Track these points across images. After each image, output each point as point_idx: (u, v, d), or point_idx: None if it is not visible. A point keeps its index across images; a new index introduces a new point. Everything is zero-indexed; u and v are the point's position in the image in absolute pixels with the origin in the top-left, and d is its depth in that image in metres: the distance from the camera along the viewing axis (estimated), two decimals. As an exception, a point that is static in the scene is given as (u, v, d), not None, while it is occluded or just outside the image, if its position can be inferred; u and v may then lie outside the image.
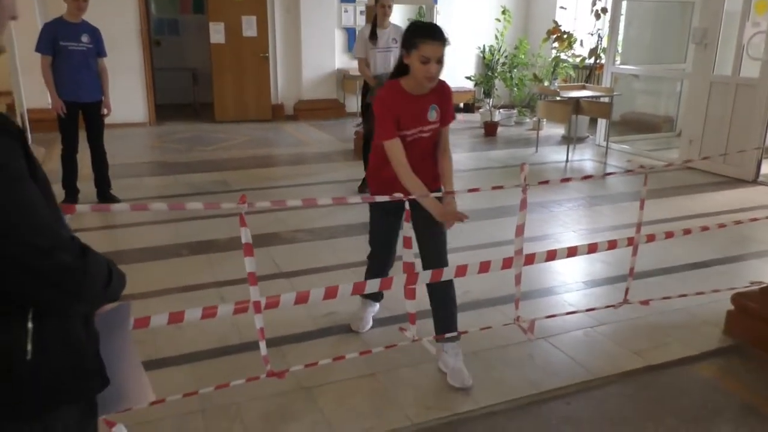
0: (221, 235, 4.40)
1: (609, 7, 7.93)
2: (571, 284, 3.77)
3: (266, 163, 7.11)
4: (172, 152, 7.50)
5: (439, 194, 2.52)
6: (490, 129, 8.72)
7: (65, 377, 1.12)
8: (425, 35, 2.37)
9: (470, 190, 2.62)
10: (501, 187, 2.37)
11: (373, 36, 5.38)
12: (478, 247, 4.15)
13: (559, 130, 8.84)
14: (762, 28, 5.96)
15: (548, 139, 8.41)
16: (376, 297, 3.17)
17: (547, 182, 2.43)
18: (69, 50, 4.91)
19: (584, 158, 7.46)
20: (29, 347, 1.05)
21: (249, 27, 9.30)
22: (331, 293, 2.14)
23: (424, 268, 2.58)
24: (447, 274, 2.35)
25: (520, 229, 2.37)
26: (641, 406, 2.57)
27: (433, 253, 2.65)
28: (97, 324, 1.21)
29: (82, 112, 5.14)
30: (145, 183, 6.11)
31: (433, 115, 2.57)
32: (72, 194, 5.19)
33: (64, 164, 5.18)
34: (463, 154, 7.49)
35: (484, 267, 2.34)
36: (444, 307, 2.69)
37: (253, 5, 9.22)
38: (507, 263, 2.37)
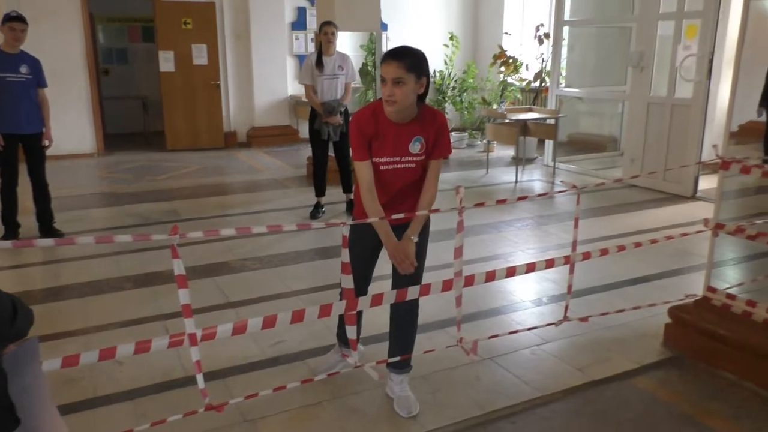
0: (166, 267, 4.32)
1: (551, 33, 8.21)
2: (518, 303, 3.83)
3: (218, 191, 7.03)
4: (121, 182, 7.35)
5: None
6: (442, 152, 8.83)
7: None
8: (384, 56, 2.30)
9: (407, 216, 2.62)
10: (437, 210, 2.40)
11: (319, 63, 5.44)
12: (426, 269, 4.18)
13: (509, 152, 9.04)
14: (693, 51, 6.28)
15: (499, 161, 8.59)
16: (346, 340, 2.75)
17: (482, 204, 2.47)
18: (7, 81, 4.79)
19: (533, 178, 7.64)
20: None
21: (199, 55, 9.26)
22: (269, 322, 2.12)
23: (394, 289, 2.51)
24: (388, 297, 2.35)
25: (458, 251, 2.40)
26: (584, 422, 2.61)
27: (399, 285, 2.55)
28: (5, 363, 1.17)
29: (22, 144, 5.00)
30: (91, 215, 5.96)
31: (416, 147, 2.42)
32: (12, 229, 5.02)
33: (3, 198, 5.01)
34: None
35: (425, 290, 2.35)
36: (402, 328, 2.66)
37: (204, 33, 9.21)
38: (447, 285, 2.40)
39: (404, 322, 2.67)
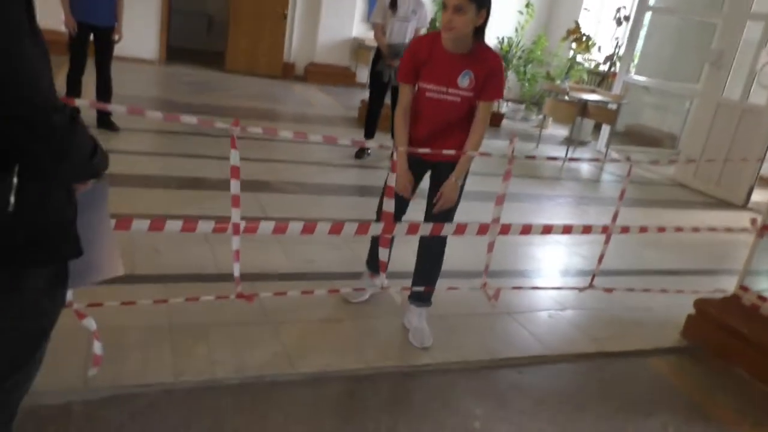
0: (211, 174, 4.46)
1: (632, 16, 7.95)
2: (545, 270, 3.86)
3: (269, 116, 7.14)
4: (179, 93, 7.51)
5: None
6: (494, 119, 8.74)
7: (42, 236, 1.16)
8: None
9: (456, 153, 2.65)
10: (488, 155, 2.44)
11: (393, 4, 5.40)
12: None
13: (563, 131, 8.88)
14: (776, 57, 6.02)
15: (551, 138, 8.46)
16: (374, 267, 2.83)
17: (533, 158, 2.49)
18: None
19: (583, 160, 7.52)
20: (12, 199, 1.09)
21: (273, -19, 9.25)
22: (308, 229, 2.21)
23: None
24: (423, 229, 2.41)
25: (500, 199, 2.44)
26: (590, 386, 2.67)
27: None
28: (77, 199, 1.27)
29: (93, 35, 5.14)
30: (148, 117, 6.12)
31: (465, 81, 2.41)
32: None
33: (69, 85, 5.19)
34: (464, 139, 7.54)
35: (460, 229, 2.41)
36: (428, 260, 2.75)
37: (280, -40, 9.18)
38: (483, 229, 2.45)
39: (431, 256, 2.74)
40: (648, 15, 7.93)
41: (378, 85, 5.65)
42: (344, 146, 6.14)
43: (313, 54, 9.81)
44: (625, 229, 2.76)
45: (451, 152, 2.44)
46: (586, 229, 2.67)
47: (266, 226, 2.17)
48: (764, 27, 6.17)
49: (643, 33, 8.11)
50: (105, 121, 5.36)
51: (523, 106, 9.70)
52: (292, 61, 9.85)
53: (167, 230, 2.05)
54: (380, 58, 5.56)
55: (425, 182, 2.70)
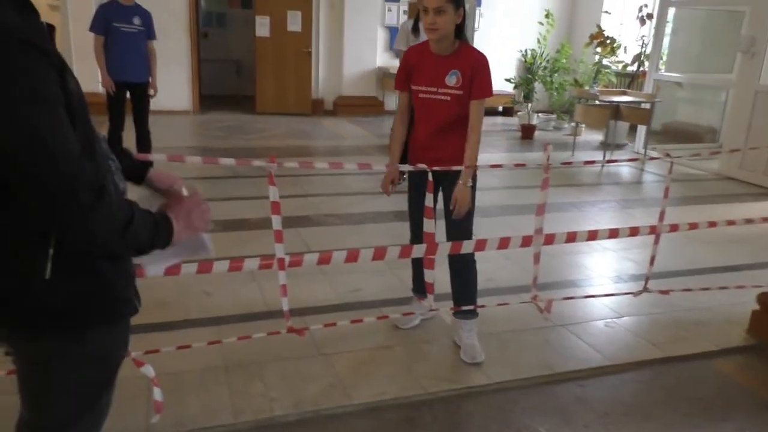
0: (253, 214, 4.54)
1: (655, 14, 7.84)
2: (595, 278, 3.77)
3: (302, 152, 7.26)
4: (213, 139, 7.73)
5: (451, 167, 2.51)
6: (527, 132, 8.70)
7: (88, 301, 1.18)
8: None
9: (492, 166, 2.65)
10: (523, 165, 2.42)
11: (416, 29, 5.46)
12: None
13: (598, 136, 8.75)
14: (812, 37, 5.83)
15: (585, 145, 8.34)
16: (420, 289, 2.86)
17: (570, 164, 2.46)
18: (121, 31, 5.14)
19: (621, 163, 7.37)
20: (48, 267, 1.10)
21: (294, 22, 9.50)
22: (352, 256, 2.22)
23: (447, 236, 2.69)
24: (466, 246, 2.40)
25: (540, 209, 2.41)
26: (655, 393, 2.57)
27: (452, 233, 2.70)
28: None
29: (129, 92, 5.36)
30: (186, 165, 6.30)
31: (452, 80, 2.53)
32: None
33: (109, 143, 5.38)
34: (498, 154, 7.50)
35: (504, 243, 2.38)
36: (461, 280, 2.75)
37: (299, 0, 9.43)
38: (527, 241, 2.41)
39: (460, 268, 2.73)
40: (671, 11, 7.80)
41: None
42: (379, 173, 6.19)
43: (340, 88, 9.98)
44: (674, 227, 2.68)
45: (450, 167, 2.45)
46: (633, 231, 2.61)
47: (311, 258, 2.20)
48: (796, 8, 6.00)
49: (668, 29, 7.97)
50: None
51: (554, 116, 9.61)
52: (321, 97, 10.03)
53: (215, 271, 2.09)
54: None
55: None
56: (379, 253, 2.27)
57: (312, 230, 4.41)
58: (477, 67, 2.53)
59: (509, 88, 9.76)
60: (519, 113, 9.45)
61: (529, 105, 9.34)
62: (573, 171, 6.79)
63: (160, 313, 3.00)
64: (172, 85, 9.08)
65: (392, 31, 9.96)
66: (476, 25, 10.32)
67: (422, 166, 2.38)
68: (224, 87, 11.17)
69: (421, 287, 2.74)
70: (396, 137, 2.79)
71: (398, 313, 2.97)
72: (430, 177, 2.34)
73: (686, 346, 2.93)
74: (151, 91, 5.45)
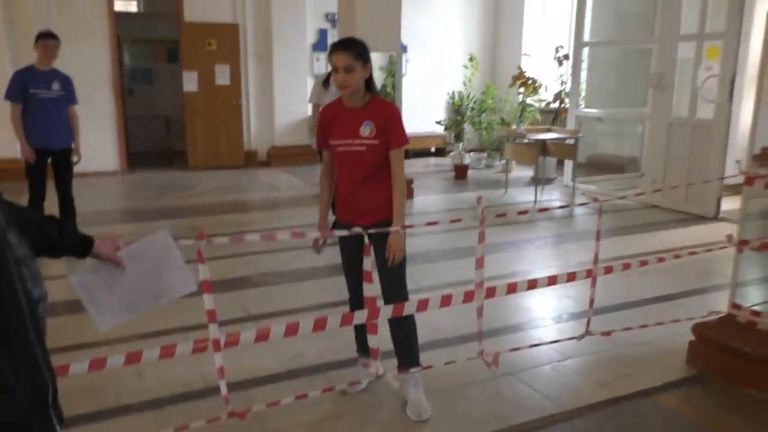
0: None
1: (570, 54, 8.25)
2: (538, 320, 3.81)
3: (237, 208, 7.11)
4: (142, 199, 7.47)
5: (387, 228, 2.52)
6: (460, 172, 8.87)
7: None
8: (332, 47, 2.61)
9: (428, 224, 2.65)
10: (459, 220, 2.42)
11: (326, 82, 5.60)
12: (444, 286, 4.17)
13: (528, 172, 9.02)
14: (714, 71, 6.26)
15: (517, 181, 8.58)
16: (364, 349, 2.83)
17: (503, 215, 2.49)
18: (39, 98, 4.93)
19: (552, 198, 7.61)
20: None
21: (222, 76, 9.45)
22: (291, 330, 2.14)
23: (384, 301, 2.65)
24: (408, 309, 2.36)
25: (479, 262, 2.41)
26: (606, 438, 2.58)
27: (387, 289, 2.70)
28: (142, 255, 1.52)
29: (51, 159, 5.12)
30: (114, 231, 6.05)
31: (366, 130, 2.62)
32: None
33: (35, 218, 5.08)
34: (433, 197, 7.60)
35: (446, 301, 2.36)
36: (403, 335, 2.73)
37: (227, 54, 9.40)
38: (468, 296, 2.40)
39: (400, 322, 2.67)
40: (585, 50, 8.24)
41: None
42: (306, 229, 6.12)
43: (272, 138, 9.93)
44: (608, 269, 2.74)
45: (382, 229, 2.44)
46: (570, 277, 2.65)
47: (248, 336, 2.09)
48: (696, 46, 6.46)
49: (585, 67, 8.41)
50: None
51: (485, 154, 9.88)
52: (254, 149, 9.94)
53: (145, 360, 1.96)
54: None
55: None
56: (320, 324, 2.20)
57: (251, 292, 4.26)
58: (388, 119, 2.64)
59: (440, 129, 10.00)
60: (451, 153, 9.66)
61: (461, 145, 9.57)
62: (510, 209, 6.94)
63: (88, 402, 2.80)
64: (98, 145, 8.76)
65: (322, 80, 10.06)
66: (404, 71, 10.58)
67: (357, 230, 2.34)
68: (154, 143, 10.90)
69: (364, 347, 2.70)
70: (322, 195, 2.84)
71: (344, 380, 2.87)
72: (366, 240, 2.30)
73: (630, 384, 2.97)
74: (75, 158, 5.22)
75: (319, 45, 9.98)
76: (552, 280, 2.61)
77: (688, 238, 5.65)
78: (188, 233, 6.02)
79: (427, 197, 7.52)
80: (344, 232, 2.47)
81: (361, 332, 2.79)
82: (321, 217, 2.83)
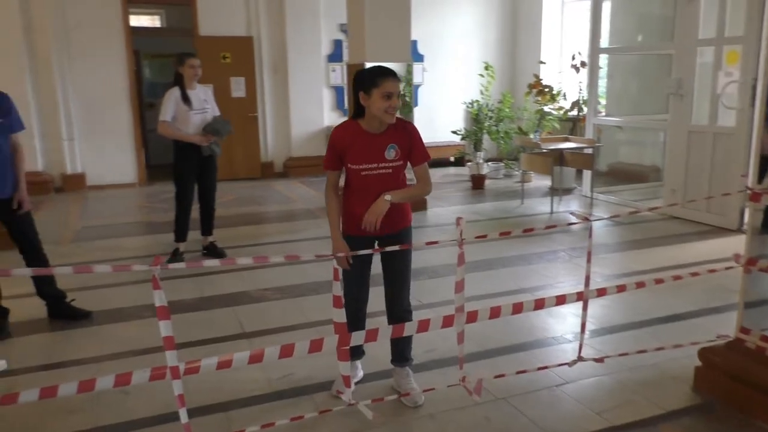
0: (188, 295, 4.33)
1: (588, 61, 8.05)
2: (541, 341, 3.64)
3: (252, 220, 7.10)
4: (158, 212, 7.51)
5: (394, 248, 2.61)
6: (477, 182, 8.73)
7: None
8: (386, 74, 2.61)
9: (428, 243, 2.55)
10: (436, 243, 2.31)
11: (186, 99, 5.29)
12: (448, 303, 4.05)
13: (546, 182, 8.83)
14: (734, 77, 6.01)
15: (535, 191, 8.39)
16: (358, 353, 3.07)
17: (484, 236, 2.37)
18: None
19: (569, 209, 7.40)
20: None
21: (238, 88, 9.50)
22: (286, 352, 2.06)
23: (387, 307, 2.91)
24: (409, 330, 2.34)
25: (459, 285, 2.30)
26: (599, 472, 2.42)
27: (392, 299, 2.90)
28: None
29: None
30: (123, 244, 6.08)
31: (391, 153, 2.70)
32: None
33: None
34: (449, 208, 7.47)
35: (423, 326, 2.25)
36: (402, 338, 2.84)
37: (242, 67, 9.45)
38: (448, 321, 2.29)
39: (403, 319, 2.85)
40: (603, 57, 8.03)
41: (184, 181, 5.55)
42: (329, 238, 6.05)
43: (289, 149, 9.94)
44: (601, 292, 2.59)
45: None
46: (560, 300, 2.51)
47: (209, 363, 2.02)
48: (715, 51, 6.22)
49: (603, 74, 8.19)
50: (63, 309, 4.07)
51: (502, 164, 9.70)
52: (270, 160, 9.96)
53: (98, 389, 1.89)
54: (183, 151, 5.45)
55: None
56: (317, 345, 2.12)
57: (249, 308, 4.20)
58: (410, 139, 2.74)
59: (457, 139, 9.87)
60: (470, 163, 9.51)
61: (479, 155, 9.41)
62: (524, 220, 6.78)
63: (70, 422, 2.76)
64: (115, 158, 8.92)
65: (338, 90, 10.04)
66: (421, 80, 10.50)
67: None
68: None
69: (357, 350, 2.98)
70: (334, 209, 2.81)
71: (323, 402, 2.78)
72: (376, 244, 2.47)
73: (631, 412, 2.80)
74: (16, 205, 3.71)
75: (333, 56, 9.97)
76: (539, 304, 2.47)
77: (708, 251, 5.41)
78: (200, 246, 5.93)
79: (442, 208, 7.40)
80: (368, 251, 2.61)
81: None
82: (335, 230, 2.79)
